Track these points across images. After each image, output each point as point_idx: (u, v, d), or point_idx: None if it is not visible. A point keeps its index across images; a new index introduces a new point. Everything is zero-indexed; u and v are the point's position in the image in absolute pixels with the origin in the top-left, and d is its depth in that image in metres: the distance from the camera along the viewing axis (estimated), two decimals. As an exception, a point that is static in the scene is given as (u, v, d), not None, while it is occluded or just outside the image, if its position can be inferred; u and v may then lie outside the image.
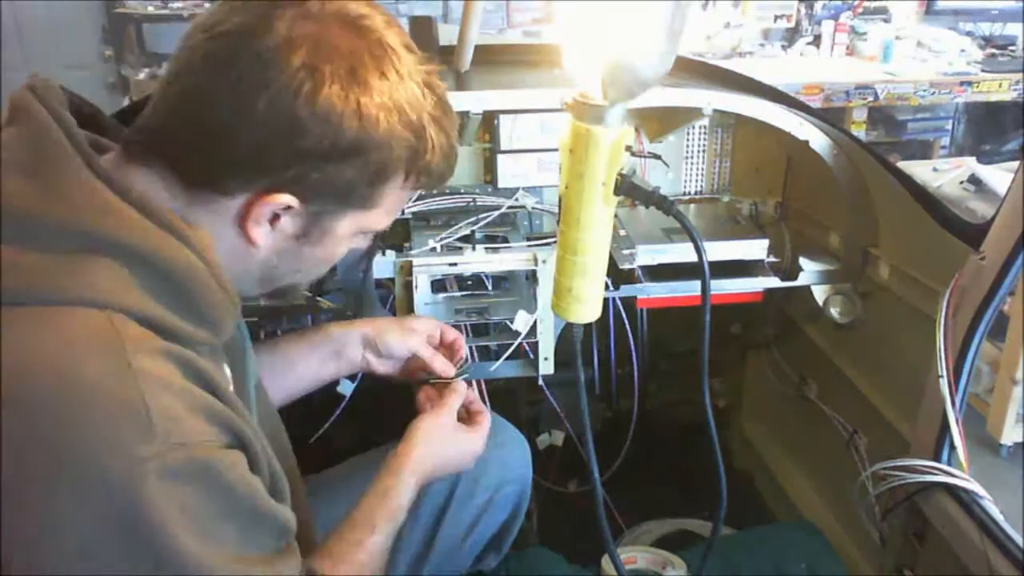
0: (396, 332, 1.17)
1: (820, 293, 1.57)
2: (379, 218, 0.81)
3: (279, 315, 1.40)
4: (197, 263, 0.70)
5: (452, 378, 1.18)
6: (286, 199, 0.72)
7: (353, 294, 1.38)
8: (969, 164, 2.02)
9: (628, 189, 0.81)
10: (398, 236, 1.48)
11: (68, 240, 0.65)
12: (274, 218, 0.74)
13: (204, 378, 0.69)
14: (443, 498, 1.18)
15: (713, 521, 0.99)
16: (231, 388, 0.79)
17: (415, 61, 0.75)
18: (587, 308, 0.88)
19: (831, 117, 1.68)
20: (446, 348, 1.22)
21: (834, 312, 1.57)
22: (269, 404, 1.01)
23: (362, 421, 1.52)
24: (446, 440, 1.08)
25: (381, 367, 1.19)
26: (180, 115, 0.71)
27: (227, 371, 0.84)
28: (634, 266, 1.46)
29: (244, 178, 0.71)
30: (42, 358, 0.61)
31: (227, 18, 0.69)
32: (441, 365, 1.18)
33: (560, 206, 0.84)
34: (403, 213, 1.50)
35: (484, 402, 1.58)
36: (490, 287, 1.49)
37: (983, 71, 3.14)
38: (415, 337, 1.18)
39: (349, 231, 0.80)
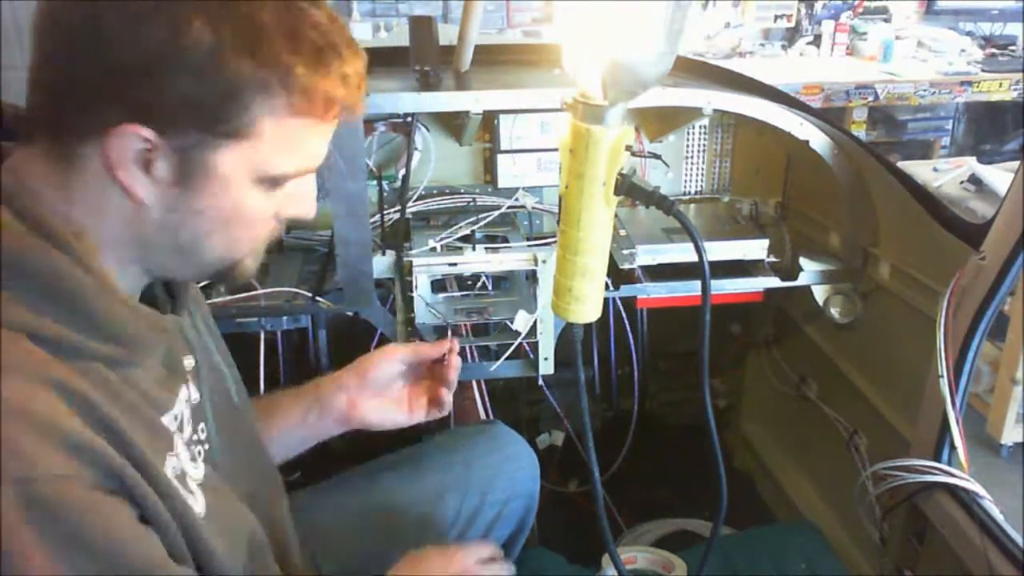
0: (374, 354, 1.11)
1: (820, 293, 1.57)
2: (270, 155, 0.69)
3: (279, 314, 1.40)
4: (76, 272, 0.65)
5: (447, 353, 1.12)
6: (134, 129, 0.64)
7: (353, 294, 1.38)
8: (969, 164, 2.01)
9: (628, 189, 0.81)
10: (398, 236, 1.48)
11: None
12: (146, 165, 0.66)
13: (88, 406, 0.63)
14: (452, 515, 1.16)
15: (713, 521, 0.99)
16: (172, 413, 0.76)
17: None
18: (587, 308, 0.88)
19: (831, 117, 1.68)
20: (434, 364, 1.15)
21: (834, 312, 1.57)
22: (246, 428, 0.95)
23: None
24: None
25: (376, 414, 1.10)
26: (32, 62, 0.67)
27: (182, 391, 0.79)
28: (634, 266, 1.46)
29: (79, 111, 0.65)
30: None
31: None
32: (437, 349, 1.11)
33: (560, 206, 0.84)
34: (403, 213, 1.50)
35: (484, 402, 1.59)
36: (490, 287, 1.49)
37: (983, 71, 3.13)
38: (397, 350, 1.12)
39: (239, 174, 0.69)
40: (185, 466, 0.75)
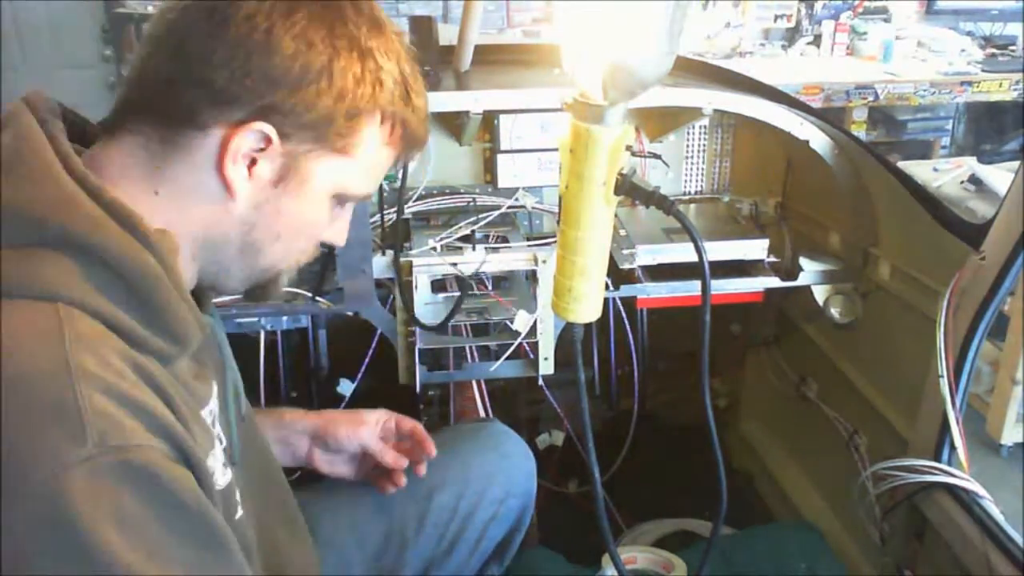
0: (344, 425, 1.12)
1: (820, 293, 1.57)
2: (357, 174, 0.78)
3: (279, 314, 1.41)
4: (156, 268, 0.68)
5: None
6: (262, 127, 0.70)
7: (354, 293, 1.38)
8: (969, 164, 2.02)
9: (628, 189, 0.81)
10: (398, 236, 1.48)
11: (25, 233, 0.64)
12: (251, 164, 0.72)
13: (158, 387, 0.66)
14: (449, 513, 1.16)
15: (713, 521, 0.99)
16: (208, 408, 0.78)
17: (392, 28, 0.76)
18: (587, 308, 0.88)
19: (831, 117, 1.68)
20: (408, 438, 1.15)
21: (834, 312, 1.57)
22: (258, 436, 0.98)
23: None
24: None
25: (327, 465, 1.13)
26: (155, 59, 0.71)
27: (214, 387, 0.81)
28: (634, 266, 1.46)
29: (219, 108, 0.70)
30: None
31: None
32: (393, 458, 1.11)
33: (560, 206, 0.84)
34: (403, 213, 1.50)
35: (484, 402, 1.59)
36: (490, 287, 1.49)
37: (983, 71, 3.14)
38: (364, 429, 1.12)
39: (328, 185, 0.76)
40: (216, 469, 0.76)
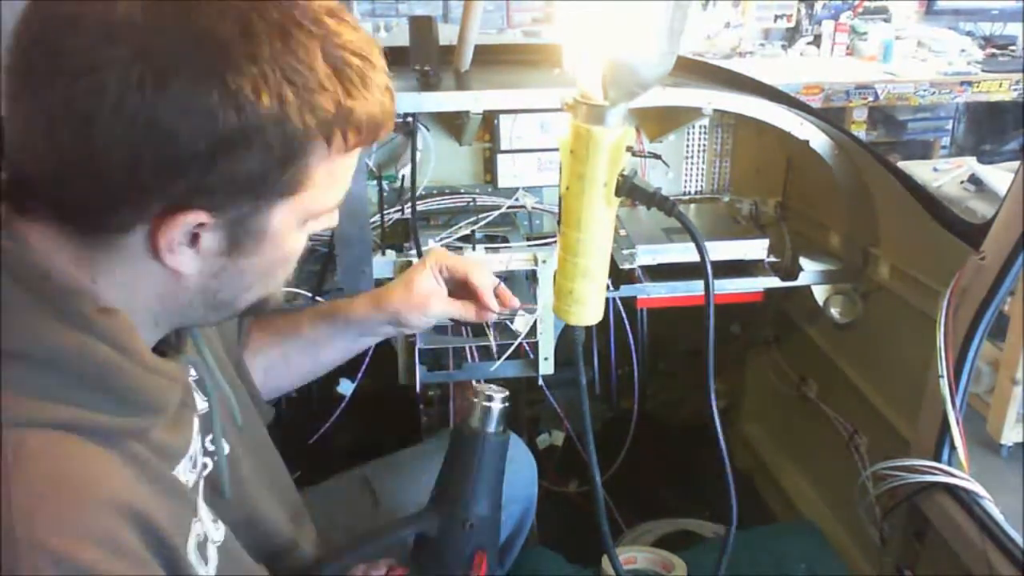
0: (414, 313, 1.08)
1: (820, 293, 1.57)
2: (319, 197, 0.67)
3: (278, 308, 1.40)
4: (111, 354, 0.61)
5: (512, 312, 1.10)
6: (191, 217, 0.60)
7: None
8: (969, 164, 2.02)
9: (629, 190, 0.81)
10: (398, 236, 1.48)
11: None
12: (193, 239, 0.62)
13: (136, 512, 0.60)
14: None
15: (726, 525, 0.98)
16: (188, 455, 0.73)
17: (303, 18, 0.60)
18: (588, 310, 0.88)
19: (831, 117, 1.68)
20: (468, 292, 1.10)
21: (834, 312, 1.57)
22: (257, 434, 0.96)
23: (362, 421, 1.52)
24: None
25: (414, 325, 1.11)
26: (31, 152, 0.59)
27: (194, 425, 0.77)
28: (634, 266, 1.46)
29: (128, 209, 0.59)
30: None
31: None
32: (485, 316, 1.09)
33: (560, 207, 0.84)
34: (403, 213, 1.50)
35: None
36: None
37: (983, 71, 3.14)
38: (432, 308, 1.08)
39: (289, 223, 0.67)
40: (207, 528, 0.74)
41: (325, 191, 0.67)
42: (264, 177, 0.61)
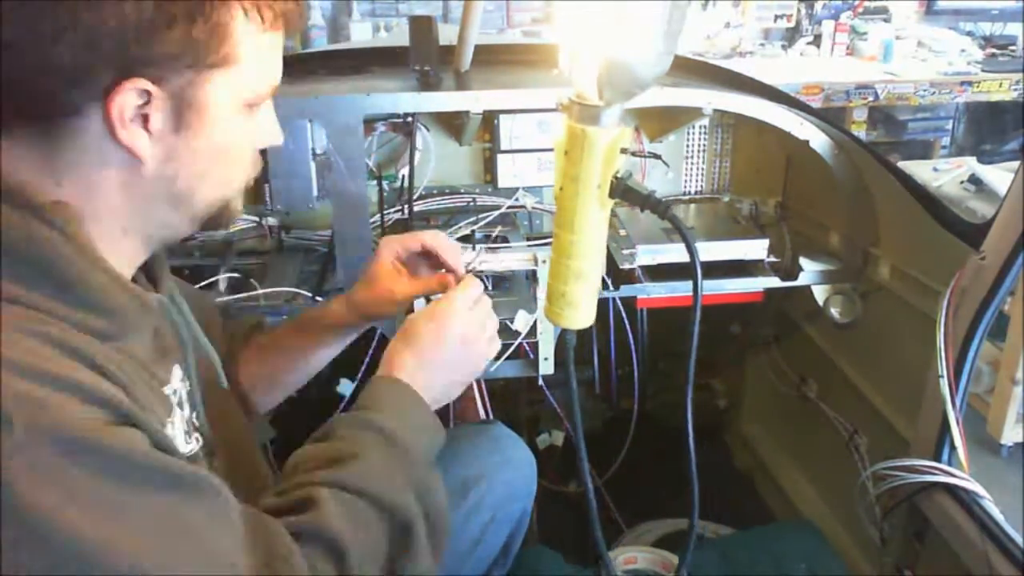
0: (384, 306, 1.08)
1: (820, 293, 1.57)
2: (249, 75, 0.72)
3: (279, 314, 1.40)
4: (58, 242, 0.64)
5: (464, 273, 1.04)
6: (136, 83, 0.65)
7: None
8: (969, 164, 2.01)
9: (623, 192, 0.80)
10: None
11: None
12: (144, 122, 0.67)
13: (93, 362, 0.63)
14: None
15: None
16: (169, 387, 0.76)
17: None
18: (581, 314, 0.87)
19: (831, 117, 1.68)
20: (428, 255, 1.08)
21: (834, 312, 1.57)
22: (234, 413, 0.97)
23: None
24: (458, 333, 0.91)
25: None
26: None
27: (176, 370, 0.79)
28: (634, 266, 1.46)
29: (78, 87, 0.64)
30: None
31: None
32: (446, 285, 1.04)
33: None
34: (403, 213, 1.50)
35: (484, 402, 1.59)
36: (490, 287, 1.49)
37: (983, 71, 3.13)
38: (399, 296, 1.07)
39: (227, 101, 0.71)
40: (177, 436, 0.74)
41: (255, 71, 0.72)
42: (194, 42, 0.66)
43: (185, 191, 0.73)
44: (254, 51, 0.71)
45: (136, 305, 0.71)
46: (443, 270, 1.08)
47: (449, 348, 0.91)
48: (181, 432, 0.76)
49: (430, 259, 1.09)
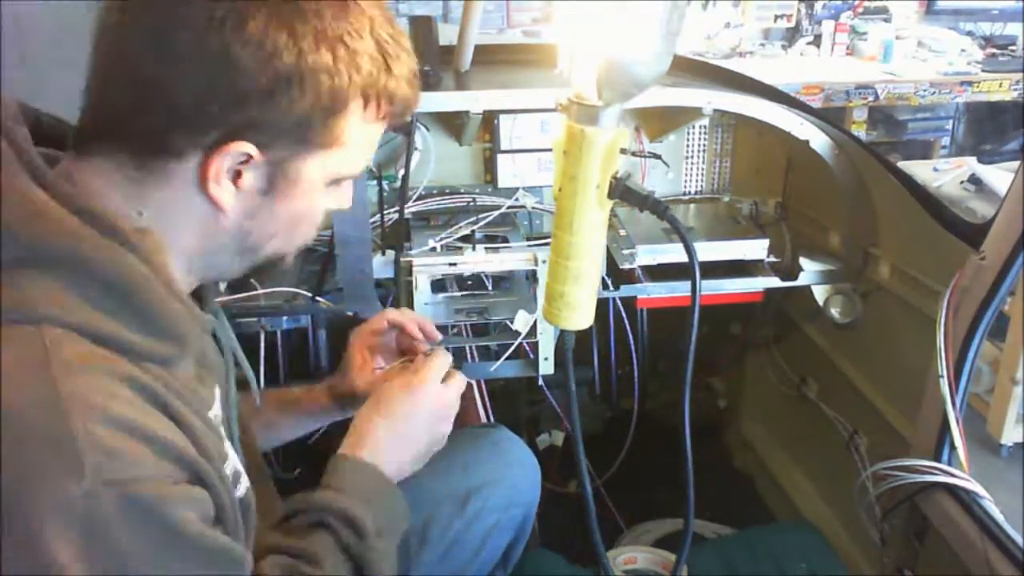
0: (357, 396, 1.09)
1: (820, 293, 1.57)
2: (348, 159, 0.75)
3: (279, 314, 1.40)
4: (141, 268, 0.65)
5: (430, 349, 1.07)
6: (241, 147, 0.67)
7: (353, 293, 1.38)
8: (969, 164, 2.01)
9: (622, 193, 0.80)
10: (398, 236, 1.48)
11: (3, 252, 0.61)
12: (236, 177, 0.70)
13: (163, 402, 0.64)
14: (448, 520, 1.15)
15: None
16: (212, 412, 0.76)
17: None
18: (579, 315, 0.87)
19: (831, 117, 1.68)
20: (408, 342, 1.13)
21: (834, 312, 1.57)
22: (252, 437, 0.98)
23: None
24: (425, 412, 0.96)
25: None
26: (111, 81, 0.67)
27: (216, 392, 0.80)
28: (634, 266, 1.46)
29: (190, 133, 0.67)
30: None
31: None
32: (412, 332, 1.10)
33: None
34: (403, 213, 1.50)
35: (484, 403, 1.59)
36: (490, 287, 1.49)
37: (983, 71, 3.13)
38: (368, 377, 1.10)
39: (319, 177, 0.74)
40: (237, 464, 0.76)
41: (353, 156, 0.75)
42: (308, 122, 0.69)
43: (255, 245, 0.76)
44: (361, 139, 0.74)
45: (197, 328, 0.72)
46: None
47: (420, 423, 0.96)
48: (235, 453, 0.77)
49: (403, 332, 1.13)
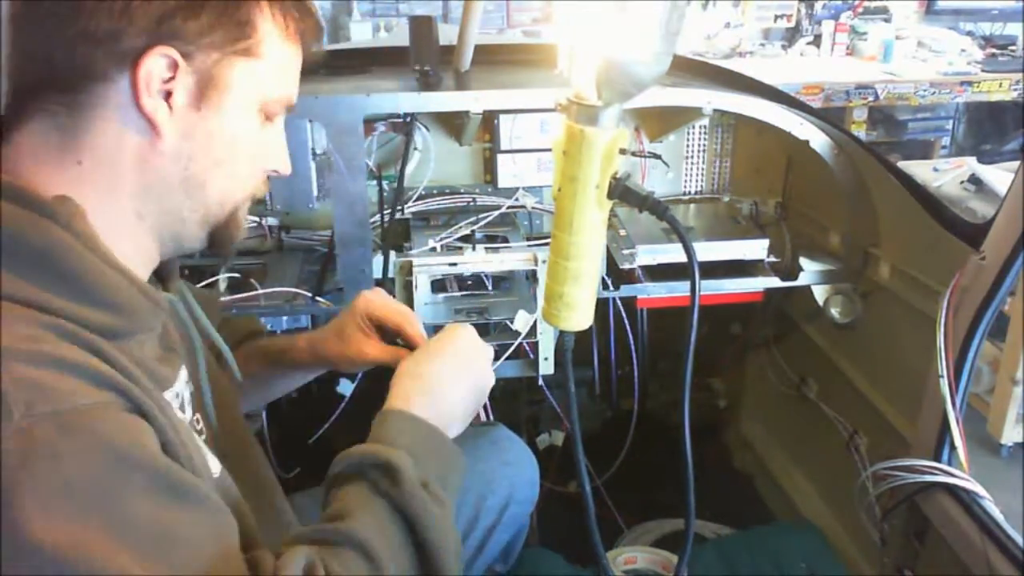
0: (348, 363, 1.07)
1: (820, 293, 1.57)
2: (271, 76, 0.75)
3: (279, 314, 1.41)
4: (62, 235, 0.65)
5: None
6: (163, 51, 0.68)
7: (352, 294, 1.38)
8: (969, 164, 2.01)
9: (622, 193, 0.80)
10: (398, 236, 1.48)
11: None
12: (167, 96, 0.70)
13: (93, 347, 0.63)
14: None
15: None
16: (172, 391, 0.75)
17: None
18: (578, 315, 0.86)
19: (831, 117, 1.68)
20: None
21: (834, 312, 1.56)
22: (236, 416, 0.96)
23: (362, 421, 1.51)
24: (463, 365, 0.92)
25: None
26: (29, 38, 0.69)
27: (182, 372, 0.80)
28: (634, 266, 1.46)
29: (110, 53, 0.67)
30: None
31: None
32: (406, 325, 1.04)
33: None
34: (403, 213, 1.50)
35: (484, 404, 1.58)
36: (490, 287, 1.49)
37: (983, 71, 3.13)
38: (366, 357, 1.06)
39: (248, 91, 0.74)
40: (199, 442, 0.75)
41: (275, 73, 0.76)
42: (226, 25, 0.71)
43: (198, 175, 0.74)
44: (276, 53, 0.75)
45: (146, 302, 0.71)
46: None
47: (461, 359, 0.92)
48: (202, 448, 0.75)
49: (387, 327, 1.08)
